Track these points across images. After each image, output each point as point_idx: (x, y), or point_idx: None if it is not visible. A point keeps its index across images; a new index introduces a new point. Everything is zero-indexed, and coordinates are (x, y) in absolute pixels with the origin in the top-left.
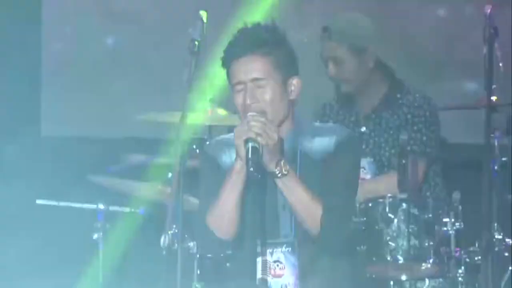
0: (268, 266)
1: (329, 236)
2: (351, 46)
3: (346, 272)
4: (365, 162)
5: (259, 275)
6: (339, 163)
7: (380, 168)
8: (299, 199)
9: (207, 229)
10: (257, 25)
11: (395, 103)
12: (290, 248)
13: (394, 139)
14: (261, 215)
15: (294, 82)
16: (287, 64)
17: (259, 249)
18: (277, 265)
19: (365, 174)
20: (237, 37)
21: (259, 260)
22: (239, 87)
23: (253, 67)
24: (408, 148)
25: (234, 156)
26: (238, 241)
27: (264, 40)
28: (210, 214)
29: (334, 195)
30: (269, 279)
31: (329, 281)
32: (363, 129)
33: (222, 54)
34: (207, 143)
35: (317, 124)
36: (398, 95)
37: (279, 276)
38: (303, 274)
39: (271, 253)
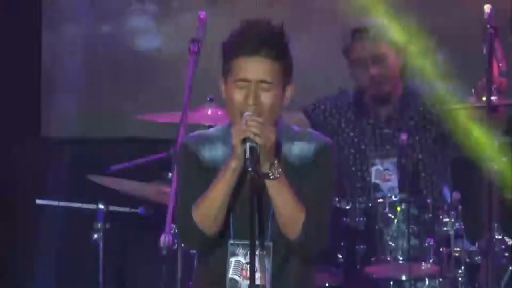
0: (240, 267)
1: (307, 242)
2: (390, 43)
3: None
4: (389, 163)
5: (230, 274)
6: (320, 171)
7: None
8: (286, 203)
9: (190, 224)
10: (268, 24)
11: (411, 104)
12: (264, 252)
13: (420, 139)
14: (245, 216)
15: (290, 88)
16: (290, 70)
17: (235, 250)
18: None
19: (390, 175)
20: (248, 32)
21: (232, 260)
22: (242, 84)
23: (264, 69)
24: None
25: (214, 151)
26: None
27: (277, 43)
28: (197, 209)
29: (316, 204)
30: (240, 280)
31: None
32: (386, 130)
33: (227, 44)
34: (187, 136)
35: (296, 128)
36: (411, 97)
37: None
38: (274, 279)
39: (245, 255)
